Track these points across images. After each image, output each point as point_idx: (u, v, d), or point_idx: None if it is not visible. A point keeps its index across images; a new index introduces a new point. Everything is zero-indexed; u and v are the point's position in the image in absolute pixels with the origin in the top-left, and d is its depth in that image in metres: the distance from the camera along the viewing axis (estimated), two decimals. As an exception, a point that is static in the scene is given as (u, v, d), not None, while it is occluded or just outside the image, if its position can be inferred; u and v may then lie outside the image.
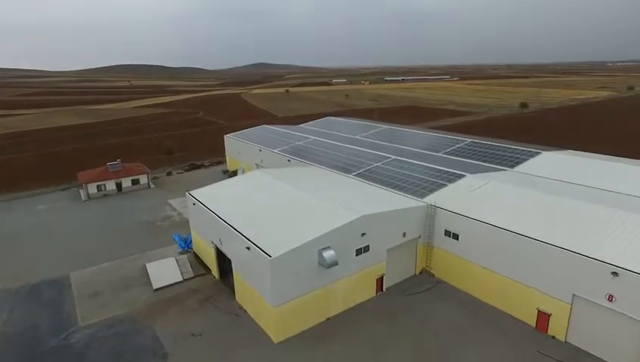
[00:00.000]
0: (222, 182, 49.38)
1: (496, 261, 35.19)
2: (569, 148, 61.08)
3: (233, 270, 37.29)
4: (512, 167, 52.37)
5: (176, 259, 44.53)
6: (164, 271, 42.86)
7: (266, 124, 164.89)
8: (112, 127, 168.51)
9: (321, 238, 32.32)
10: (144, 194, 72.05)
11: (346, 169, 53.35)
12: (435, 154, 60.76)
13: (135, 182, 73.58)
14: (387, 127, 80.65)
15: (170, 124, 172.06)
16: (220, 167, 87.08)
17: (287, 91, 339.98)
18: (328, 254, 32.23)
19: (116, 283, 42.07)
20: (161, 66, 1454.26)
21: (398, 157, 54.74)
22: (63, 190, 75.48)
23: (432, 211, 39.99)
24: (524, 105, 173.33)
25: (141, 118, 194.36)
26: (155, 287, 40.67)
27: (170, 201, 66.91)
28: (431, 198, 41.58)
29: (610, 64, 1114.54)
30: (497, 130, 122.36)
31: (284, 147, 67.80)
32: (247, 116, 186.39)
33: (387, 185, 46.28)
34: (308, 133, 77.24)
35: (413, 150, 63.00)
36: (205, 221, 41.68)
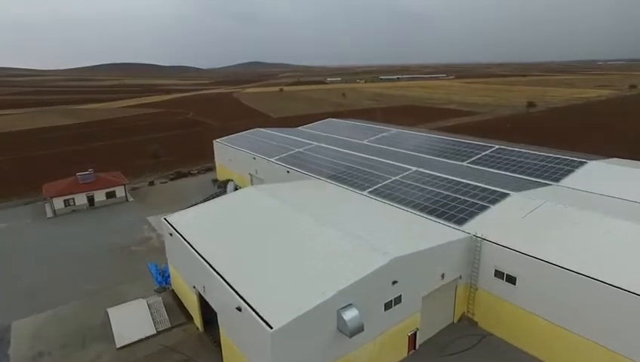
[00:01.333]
0: (207, 203, 39.97)
1: (570, 316, 26.37)
2: (589, 152, 53.28)
3: (220, 328, 28.10)
4: (556, 180, 43.62)
5: (149, 304, 35.10)
6: (133, 319, 33.49)
7: (260, 125, 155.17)
8: (97, 128, 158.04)
9: (340, 294, 23.27)
10: (120, 209, 62.44)
11: (358, 184, 44.26)
12: (460, 163, 51.94)
13: (110, 195, 63.95)
14: (396, 130, 71.70)
15: (158, 125, 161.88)
16: (209, 176, 77.63)
17: (281, 90, 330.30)
18: (351, 317, 23.18)
19: (70, 338, 32.63)
20: (153, 65, 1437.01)
21: (420, 169, 45.74)
22: (27, 204, 65.62)
23: (477, 245, 31.08)
24: (531, 105, 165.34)
25: (129, 119, 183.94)
26: (118, 345, 31.34)
27: (149, 219, 57.41)
28: (472, 226, 32.68)
29: (600, 63, 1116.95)
30: (508, 132, 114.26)
31: (282, 155, 58.55)
32: (240, 116, 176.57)
33: (414, 207, 37.26)
34: (308, 137, 68.05)
35: (433, 158, 54.10)
36: (185, 259, 32.41)
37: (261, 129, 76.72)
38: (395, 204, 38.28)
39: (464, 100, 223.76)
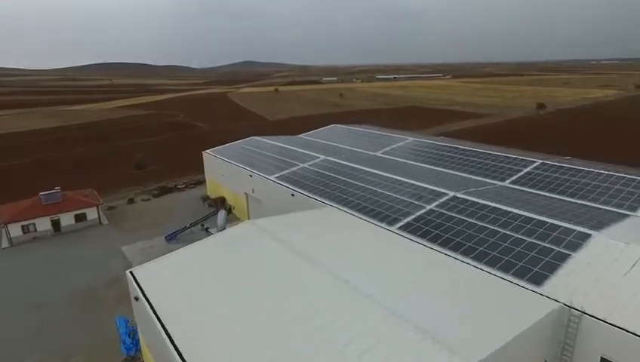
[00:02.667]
0: (190, 249, 30.21)
1: None
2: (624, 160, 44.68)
3: None
4: (633, 209, 34.60)
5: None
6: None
7: (255, 127, 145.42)
8: (81, 131, 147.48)
9: None
10: (91, 235, 52.63)
11: (382, 215, 34.84)
12: (500, 183, 42.83)
13: (80, 218, 54.08)
14: (412, 139, 62.41)
15: (146, 128, 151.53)
16: (199, 191, 67.92)
17: (276, 90, 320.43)
18: None
19: None
20: (146, 65, 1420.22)
21: (457, 194, 36.44)
22: (-20, 230, 55.70)
23: (571, 319, 21.85)
24: (540, 107, 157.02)
25: (116, 121, 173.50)
26: None
27: (124, 250, 47.64)
28: (557, 286, 23.43)
29: (593, 62, 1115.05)
30: (525, 137, 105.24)
31: (284, 172, 48.99)
32: (234, 118, 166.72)
33: (464, 253, 27.95)
34: (312, 148, 58.54)
35: (466, 177, 44.89)
36: (157, 341, 22.83)
37: (258, 138, 67.08)
38: (439, 249, 28.90)
39: (467, 101, 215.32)
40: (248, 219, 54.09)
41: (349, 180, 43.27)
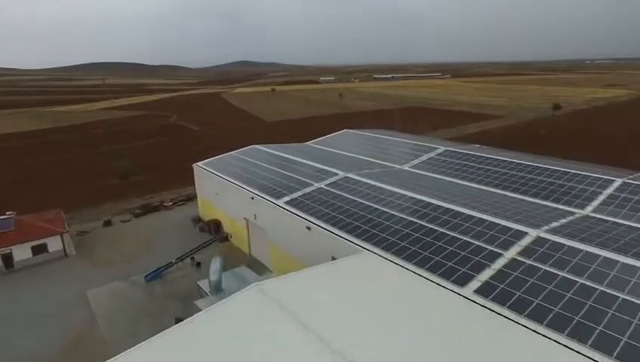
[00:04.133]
0: (173, 333, 19.65)
1: None
2: None
3: None
4: None
5: None
6: None
7: (252, 129, 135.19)
8: (65, 135, 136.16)
9: None
10: (52, 273, 41.97)
11: (443, 267, 24.59)
12: (579, 212, 32.76)
13: (39, 249, 43.41)
14: (443, 148, 52.21)
15: (135, 131, 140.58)
16: (189, 209, 57.36)
17: (273, 90, 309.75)
18: None
19: None
20: (140, 64, 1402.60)
21: (541, 234, 26.31)
22: None
23: None
24: (556, 107, 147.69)
25: (104, 123, 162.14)
26: None
27: (90, 296, 37.07)
28: None
29: (588, 62, 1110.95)
30: (551, 142, 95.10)
31: (295, 194, 38.60)
32: (229, 120, 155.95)
33: (582, 340, 17.89)
34: (326, 161, 48.20)
35: (538, 203, 34.69)
36: None
37: (259, 147, 56.54)
38: (556, 337, 18.59)
39: (473, 101, 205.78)
40: (249, 251, 43.72)
41: (382, 208, 32.97)
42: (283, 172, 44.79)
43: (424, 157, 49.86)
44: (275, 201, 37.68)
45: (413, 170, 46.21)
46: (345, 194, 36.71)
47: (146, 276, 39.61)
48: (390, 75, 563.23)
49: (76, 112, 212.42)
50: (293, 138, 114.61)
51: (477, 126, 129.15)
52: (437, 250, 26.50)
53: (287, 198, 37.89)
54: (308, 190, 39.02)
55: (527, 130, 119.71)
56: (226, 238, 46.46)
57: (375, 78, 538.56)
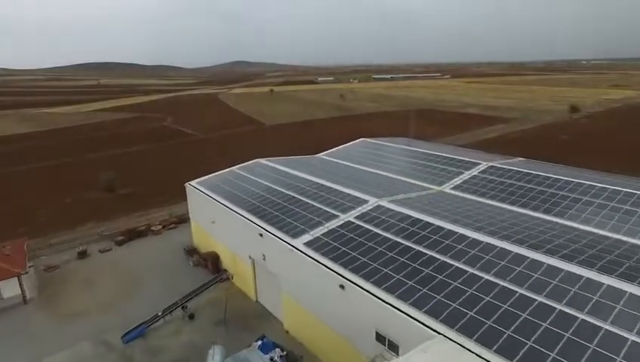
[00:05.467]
0: None
1: None
2: None
3: None
4: None
5: None
6: None
7: (253, 133, 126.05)
8: (48, 140, 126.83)
9: None
10: (1, 330, 32.98)
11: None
12: None
13: (-10, 296, 34.46)
14: (485, 163, 43.45)
15: (126, 135, 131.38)
16: (181, 234, 48.36)
17: (271, 91, 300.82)
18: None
19: None
20: (136, 64, 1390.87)
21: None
22: None
23: None
24: (574, 110, 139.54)
25: (94, 127, 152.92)
26: None
27: (47, 369, 28.19)
28: None
29: (584, 62, 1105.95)
30: (578, 149, 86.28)
31: (317, 231, 29.67)
32: (228, 123, 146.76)
33: None
34: (349, 181, 39.37)
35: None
36: None
37: (264, 161, 47.51)
38: None
39: (481, 103, 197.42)
40: (255, 296, 34.84)
41: (451, 261, 24.11)
42: (297, 196, 35.87)
43: (465, 176, 41.11)
44: (291, 242, 28.81)
45: (457, 193, 37.44)
46: (384, 234, 27.88)
47: (124, 335, 30.69)
48: (390, 76, 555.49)
49: (67, 114, 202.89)
50: (298, 144, 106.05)
51: (493, 130, 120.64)
52: (511, 314, 17.72)
53: (307, 237, 29.03)
54: (333, 224, 30.16)
55: (547, 135, 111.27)
56: (227, 278, 37.53)
57: (374, 78, 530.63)
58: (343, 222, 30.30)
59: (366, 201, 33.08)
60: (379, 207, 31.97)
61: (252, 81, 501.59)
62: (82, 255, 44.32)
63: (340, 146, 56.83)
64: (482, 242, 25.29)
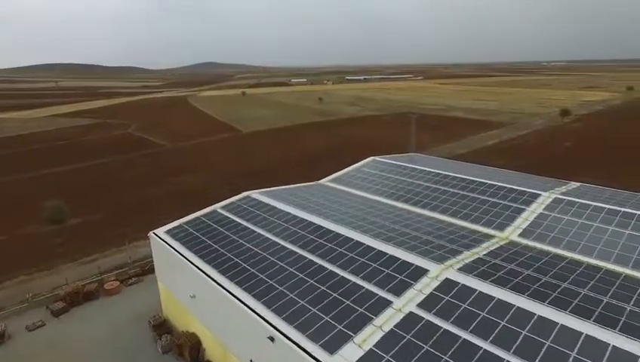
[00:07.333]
0: None
1: None
2: None
3: None
4: None
5: None
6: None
7: (229, 142, 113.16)
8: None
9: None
10: None
11: None
12: None
13: None
14: (551, 193, 33.54)
15: (84, 146, 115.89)
16: (147, 292, 36.04)
17: (243, 93, 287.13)
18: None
19: None
20: (99, 66, 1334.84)
21: None
22: None
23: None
24: (565, 113, 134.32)
25: (48, 135, 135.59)
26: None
27: None
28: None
29: (544, 63, 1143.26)
30: (573, 155, 77.74)
31: (364, 333, 18.58)
32: (201, 131, 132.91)
33: None
34: (380, 230, 28.47)
35: None
36: None
37: (258, 195, 35.68)
38: None
39: (463, 106, 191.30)
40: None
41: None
42: (318, 262, 24.47)
43: (528, 213, 30.85)
44: (328, 358, 17.48)
45: (533, 243, 27.01)
46: (478, 342, 17.03)
47: None
48: (363, 77, 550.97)
49: (17, 121, 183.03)
50: (283, 156, 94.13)
51: (489, 136, 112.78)
52: None
53: (352, 352, 17.74)
54: (386, 320, 19.04)
55: (549, 140, 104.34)
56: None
57: (348, 79, 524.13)
58: (402, 316, 19.25)
59: (424, 271, 22.18)
60: (448, 283, 21.16)
61: (222, 83, 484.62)
62: None
63: (348, 168, 45.71)
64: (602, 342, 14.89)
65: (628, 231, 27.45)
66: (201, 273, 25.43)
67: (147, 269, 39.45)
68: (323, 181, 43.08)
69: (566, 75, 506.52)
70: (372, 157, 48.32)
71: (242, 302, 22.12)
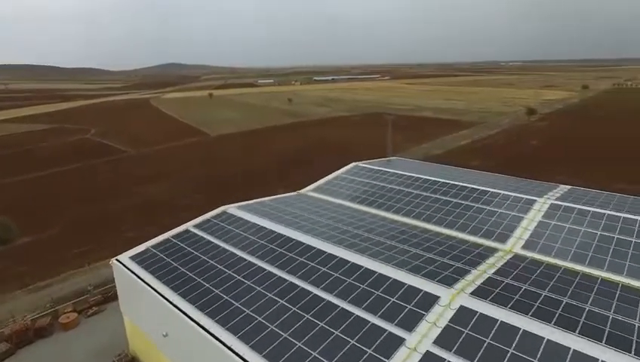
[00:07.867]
0: None
1: None
2: None
3: None
4: None
5: None
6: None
7: (198, 147, 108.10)
8: None
9: None
10: None
11: None
12: None
13: None
14: (545, 199, 32.00)
15: (38, 154, 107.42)
16: (110, 323, 31.76)
17: (210, 95, 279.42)
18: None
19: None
20: (55, 67, 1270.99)
21: None
22: None
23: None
24: (531, 112, 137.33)
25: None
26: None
27: None
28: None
29: (502, 63, 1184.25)
30: (541, 154, 79.06)
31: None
32: (166, 135, 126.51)
33: None
34: (378, 248, 25.75)
35: None
36: None
37: (234, 211, 32.15)
38: None
39: (432, 105, 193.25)
40: None
41: None
42: (309, 290, 21.37)
43: (527, 222, 29.08)
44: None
45: (539, 256, 25.06)
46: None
47: None
48: (331, 77, 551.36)
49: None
50: (254, 161, 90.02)
51: (461, 136, 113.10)
52: None
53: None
54: (400, 364, 16.26)
55: (517, 139, 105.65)
56: None
57: (315, 80, 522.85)
58: (419, 357, 16.50)
59: (435, 298, 19.57)
60: (464, 312, 18.63)
61: (187, 85, 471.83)
62: None
63: (329, 176, 42.81)
64: None
65: (634, 240, 26.01)
66: (173, 308, 21.75)
67: (110, 296, 35.03)
68: (304, 191, 39.96)
69: (524, 74, 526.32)
70: (354, 163, 45.69)
71: (220, 341, 18.74)
